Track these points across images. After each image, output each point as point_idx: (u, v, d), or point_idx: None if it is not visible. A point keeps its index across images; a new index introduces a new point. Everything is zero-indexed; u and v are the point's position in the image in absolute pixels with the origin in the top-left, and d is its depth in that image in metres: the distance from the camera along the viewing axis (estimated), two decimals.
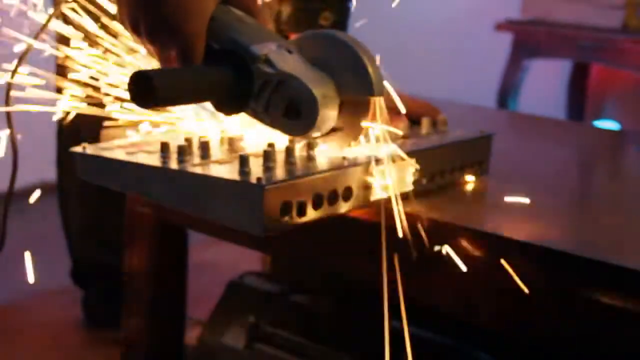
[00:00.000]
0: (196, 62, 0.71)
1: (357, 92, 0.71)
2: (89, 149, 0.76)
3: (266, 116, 0.71)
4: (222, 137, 0.77)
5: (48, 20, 0.84)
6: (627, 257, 0.67)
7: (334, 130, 0.73)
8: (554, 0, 2.23)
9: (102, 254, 1.54)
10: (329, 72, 0.71)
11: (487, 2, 2.64)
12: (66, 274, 1.66)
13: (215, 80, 0.70)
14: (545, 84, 2.67)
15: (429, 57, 3.00)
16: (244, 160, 0.65)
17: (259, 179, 0.63)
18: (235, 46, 0.71)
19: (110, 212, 1.30)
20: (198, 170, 0.68)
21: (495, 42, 2.46)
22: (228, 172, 0.66)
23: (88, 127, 0.89)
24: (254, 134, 0.78)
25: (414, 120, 0.88)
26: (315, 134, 0.71)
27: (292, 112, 0.70)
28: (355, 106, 0.71)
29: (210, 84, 0.70)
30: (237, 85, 0.70)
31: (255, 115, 0.72)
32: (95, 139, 0.86)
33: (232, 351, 0.99)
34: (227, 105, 0.73)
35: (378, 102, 0.71)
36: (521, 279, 0.69)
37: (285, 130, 0.72)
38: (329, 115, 0.70)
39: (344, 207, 0.70)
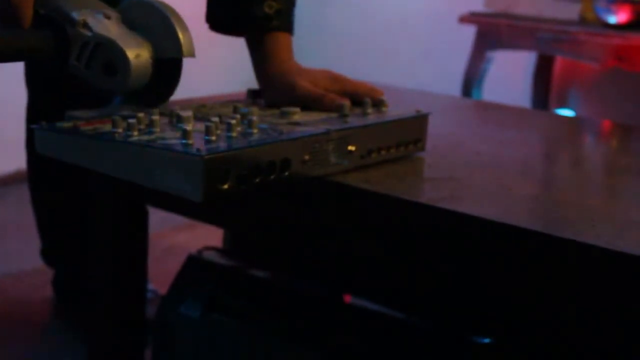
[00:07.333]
0: (24, 26, 0.78)
1: (169, 53, 0.81)
2: (46, 125, 0.81)
3: (88, 74, 0.81)
4: (171, 114, 0.82)
5: None
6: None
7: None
8: None
9: (70, 233, 1.57)
10: (146, 35, 0.81)
11: None
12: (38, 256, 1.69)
13: (34, 41, 0.78)
14: (511, 75, 2.73)
15: (396, 49, 3.05)
16: (186, 134, 0.71)
17: (198, 149, 0.68)
18: (58, 12, 0.80)
19: (77, 192, 1.34)
20: (145, 143, 0.73)
21: (460, 35, 2.51)
22: (172, 144, 0.72)
23: (54, 111, 0.94)
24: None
25: (357, 102, 0.93)
26: (132, 89, 0.81)
27: (110, 70, 0.80)
28: (169, 65, 0.82)
29: (29, 44, 0.78)
30: (55, 46, 0.80)
31: (79, 73, 0.81)
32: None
33: (189, 321, 1.03)
34: (48, 64, 0.82)
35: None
36: (457, 247, 0.75)
37: (104, 85, 0.81)
38: (143, 72, 0.81)
39: (281, 178, 0.75)
